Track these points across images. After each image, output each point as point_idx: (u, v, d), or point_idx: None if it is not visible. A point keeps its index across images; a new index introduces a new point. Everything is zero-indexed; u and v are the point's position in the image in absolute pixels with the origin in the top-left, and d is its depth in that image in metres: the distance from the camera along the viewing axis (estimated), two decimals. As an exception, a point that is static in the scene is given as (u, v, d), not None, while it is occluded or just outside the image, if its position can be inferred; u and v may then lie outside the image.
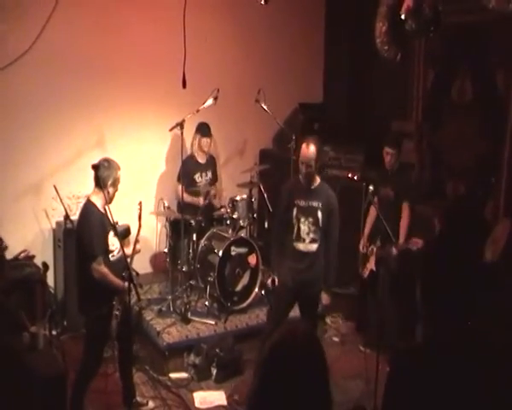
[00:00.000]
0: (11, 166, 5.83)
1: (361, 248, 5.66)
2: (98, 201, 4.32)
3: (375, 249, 5.53)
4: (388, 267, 5.21)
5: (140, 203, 4.71)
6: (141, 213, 4.71)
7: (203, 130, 6.26)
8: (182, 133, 5.59)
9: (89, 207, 4.32)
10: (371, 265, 5.54)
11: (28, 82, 5.77)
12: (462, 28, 5.74)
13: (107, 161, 4.36)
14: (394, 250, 5.10)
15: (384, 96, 6.75)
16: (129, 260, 4.42)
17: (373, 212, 5.55)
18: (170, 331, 5.45)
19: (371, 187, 5.57)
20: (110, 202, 4.32)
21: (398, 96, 6.64)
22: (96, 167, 4.24)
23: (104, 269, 4.25)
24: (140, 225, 4.70)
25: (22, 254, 5.75)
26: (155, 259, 6.75)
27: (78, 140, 6.12)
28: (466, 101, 5.86)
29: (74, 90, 5.99)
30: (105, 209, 4.35)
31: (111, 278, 4.28)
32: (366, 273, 5.60)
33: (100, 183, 4.27)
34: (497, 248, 4.48)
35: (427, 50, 6.27)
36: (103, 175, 4.26)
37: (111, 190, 4.31)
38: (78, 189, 5.79)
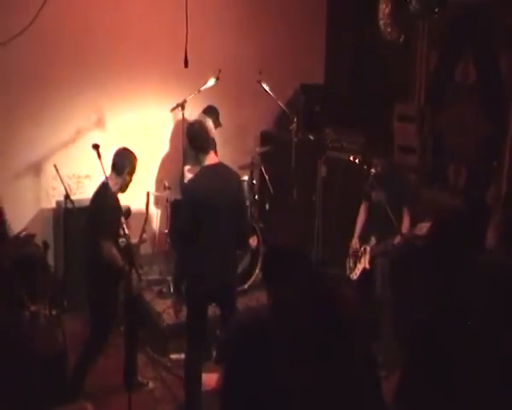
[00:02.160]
0: (11, 145, 5.80)
1: (354, 243, 5.38)
2: (113, 185, 4.39)
3: (368, 248, 5.25)
4: (390, 258, 5.05)
5: (148, 193, 4.72)
6: (148, 203, 4.72)
7: (215, 118, 6.13)
8: (183, 114, 5.56)
9: (104, 188, 4.35)
10: (364, 264, 5.26)
11: (28, 59, 5.72)
12: (466, 9, 5.69)
13: (126, 149, 4.48)
14: (398, 238, 4.97)
15: (386, 77, 6.70)
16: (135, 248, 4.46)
17: (363, 212, 5.44)
18: (170, 312, 5.43)
19: (373, 170, 5.55)
20: (124, 191, 4.41)
21: (400, 78, 6.58)
22: (115, 154, 4.40)
23: (114, 250, 4.30)
24: (147, 214, 4.72)
25: (23, 233, 5.73)
26: (156, 240, 6.75)
27: (79, 119, 6.09)
28: (469, 83, 5.81)
29: (75, 69, 5.95)
30: (117, 193, 4.43)
31: (118, 260, 4.31)
32: (357, 274, 5.32)
33: (116, 169, 4.39)
34: (498, 232, 4.47)
35: (431, 32, 6.21)
36: (121, 163, 4.37)
37: (127, 178, 4.42)
38: (79, 168, 5.78)
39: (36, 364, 4.10)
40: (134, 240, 4.49)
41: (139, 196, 5.28)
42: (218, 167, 4.25)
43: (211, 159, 4.20)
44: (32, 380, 4.06)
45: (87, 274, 4.50)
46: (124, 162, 4.39)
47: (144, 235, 4.73)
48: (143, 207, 5.08)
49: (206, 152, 4.17)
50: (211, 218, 4.10)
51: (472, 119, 5.74)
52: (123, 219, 4.40)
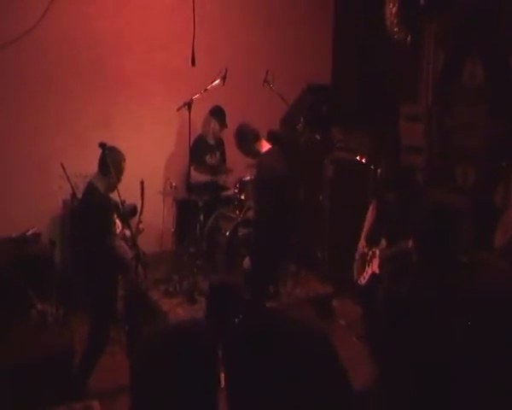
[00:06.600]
0: (18, 145, 5.80)
1: (361, 246, 5.16)
2: (100, 184, 4.36)
3: (378, 252, 4.98)
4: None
5: (142, 182, 4.70)
6: (143, 192, 4.70)
7: (221, 119, 6.29)
8: (189, 113, 5.56)
9: (90, 189, 4.38)
10: (373, 268, 4.99)
11: (36, 59, 5.73)
12: (474, 9, 5.67)
13: (113, 149, 4.38)
14: (411, 242, 4.80)
15: (394, 77, 6.69)
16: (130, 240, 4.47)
17: (371, 212, 5.18)
18: (176, 311, 5.46)
19: (379, 170, 5.53)
20: (112, 191, 4.34)
21: (407, 79, 6.57)
22: (102, 152, 4.30)
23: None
24: (142, 205, 4.71)
25: (30, 232, 5.74)
26: (162, 239, 6.74)
27: (85, 118, 6.08)
28: (477, 84, 5.79)
29: (81, 68, 5.96)
30: (107, 193, 4.40)
31: (123, 251, 4.40)
32: (365, 279, 5.06)
33: (104, 169, 4.31)
34: (507, 233, 4.46)
35: (438, 32, 6.19)
36: (108, 163, 4.28)
37: (113, 179, 4.32)
38: (85, 167, 5.74)
39: (43, 362, 4.11)
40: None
41: (149, 197, 5.27)
42: None
43: None
44: (39, 378, 4.07)
45: (84, 272, 4.54)
46: (109, 163, 4.28)
47: (141, 225, 4.73)
48: (156, 210, 5.04)
49: None
50: None
51: (480, 119, 5.72)
52: (115, 215, 4.43)
